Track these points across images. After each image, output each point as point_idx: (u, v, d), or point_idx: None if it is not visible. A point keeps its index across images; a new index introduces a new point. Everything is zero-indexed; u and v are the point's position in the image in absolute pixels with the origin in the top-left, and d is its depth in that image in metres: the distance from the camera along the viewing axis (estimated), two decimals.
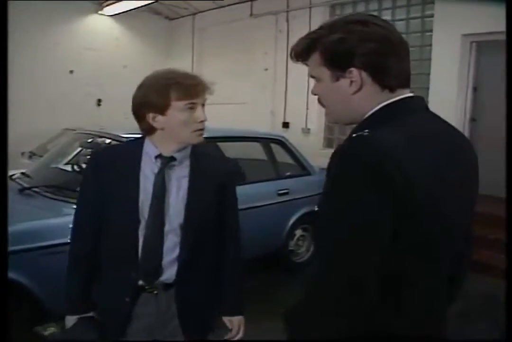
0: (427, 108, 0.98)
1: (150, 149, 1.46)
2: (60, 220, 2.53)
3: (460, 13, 4.63)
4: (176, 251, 1.44)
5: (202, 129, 1.43)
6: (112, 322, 1.47)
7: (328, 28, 0.95)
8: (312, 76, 1.00)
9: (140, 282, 1.44)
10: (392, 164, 0.80)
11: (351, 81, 0.93)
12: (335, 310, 0.81)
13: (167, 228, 1.43)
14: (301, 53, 0.99)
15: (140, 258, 1.42)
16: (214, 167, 1.52)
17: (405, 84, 0.96)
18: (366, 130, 0.88)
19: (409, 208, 0.81)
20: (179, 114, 1.38)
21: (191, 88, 1.38)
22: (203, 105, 1.43)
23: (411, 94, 0.96)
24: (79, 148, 3.71)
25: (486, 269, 3.77)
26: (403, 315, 0.89)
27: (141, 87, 1.43)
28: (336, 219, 0.84)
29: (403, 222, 0.82)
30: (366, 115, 0.94)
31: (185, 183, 1.46)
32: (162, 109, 1.38)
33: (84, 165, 3.41)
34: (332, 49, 0.93)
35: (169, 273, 1.44)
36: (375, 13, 5.54)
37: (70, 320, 1.50)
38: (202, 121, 1.42)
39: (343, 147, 0.86)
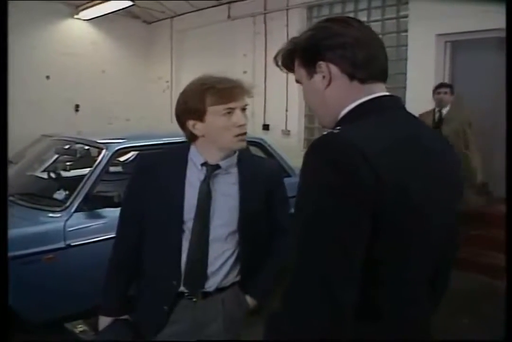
0: (403, 108, 0.98)
1: (195, 156, 1.44)
2: (35, 229, 2.48)
3: (434, 14, 4.68)
4: (221, 260, 1.42)
5: (243, 134, 1.40)
6: (147, 326, 1.46)
7: (304, 32, 0.99)
8: (297, 81, 1.03)
9: (181, 289, 1.42)
10: (362, 160, 0.78)
11: (323, 76, 0.94)
12: (310, 315, 0.77)
13: (212, 237, 1.41)
14: (284, 61, 1.03)
15: (184, 267, 1.41)
16: (262, 173, 1.51)
17: (378, 77, 0.96)
18: (338, 128, 0.88)
19: (379, 203, 0.79)
20: (217, 119, 1.36)
21: (225, 92, 1.35)
22: (243, 109, 1.40)
23: (387, 93, 0.96)
24: (56, 155, 3.65)
25: (468, 265, 3.82)
26: (380, 320, 0.86)
27: (181, 94, 1.42)
28: (304, 218, 0.82)
29: (375, 218, 0.79)
30: (342, 115, 0.94)
31: (234, 191, 1.44)
32: (199, 116, 1.37)
33: (61, 173, 3.35)
34: (302, 46, 0.97)
35: (212, 282, 1.43)
36: (351, 14, 5.57)
37: (104, 321, 1.48)
38: (241, 126, 1.38)
39: (312, 144, 0.85)
